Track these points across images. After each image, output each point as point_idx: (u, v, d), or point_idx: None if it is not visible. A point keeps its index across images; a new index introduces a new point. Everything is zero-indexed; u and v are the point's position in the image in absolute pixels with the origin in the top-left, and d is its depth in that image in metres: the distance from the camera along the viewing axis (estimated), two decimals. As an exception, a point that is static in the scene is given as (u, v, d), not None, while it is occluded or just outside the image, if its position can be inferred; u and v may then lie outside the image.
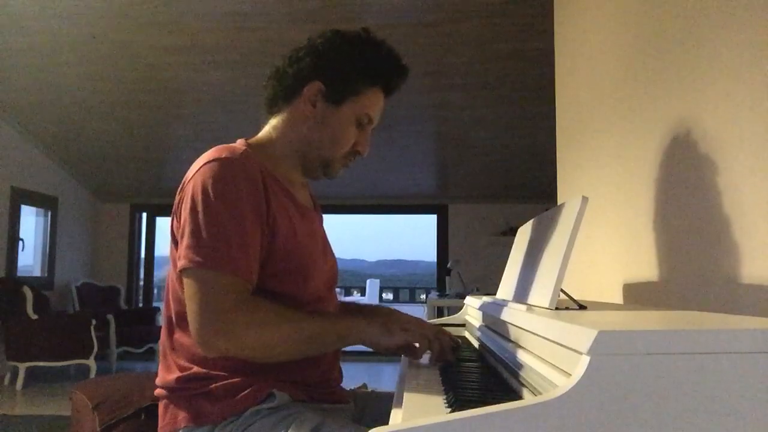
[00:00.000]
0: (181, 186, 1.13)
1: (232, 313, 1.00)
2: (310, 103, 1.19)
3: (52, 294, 6.39)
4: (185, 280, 1.03)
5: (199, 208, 1.04)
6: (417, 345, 1.12)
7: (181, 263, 1.03)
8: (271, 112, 1.26)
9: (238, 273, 1.02)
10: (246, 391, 1.05)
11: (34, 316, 5.17)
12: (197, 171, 1.09)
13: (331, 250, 1.34)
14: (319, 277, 1.21)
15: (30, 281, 5.73)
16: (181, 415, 1.07)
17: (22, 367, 5.09)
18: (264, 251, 1.09)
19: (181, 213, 1.09)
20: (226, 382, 1.06)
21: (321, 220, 1.37)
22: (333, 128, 1.20)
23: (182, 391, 1.09)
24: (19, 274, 6.05)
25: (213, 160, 1.08)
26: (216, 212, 1.03)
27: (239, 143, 1.19)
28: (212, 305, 0.99)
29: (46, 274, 6.55)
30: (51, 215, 6.63)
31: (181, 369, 1.10)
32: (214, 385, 1.06)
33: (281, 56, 1.25)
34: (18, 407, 4.52)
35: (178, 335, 1.12)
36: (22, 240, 6.12)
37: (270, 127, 1.25)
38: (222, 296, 1.00)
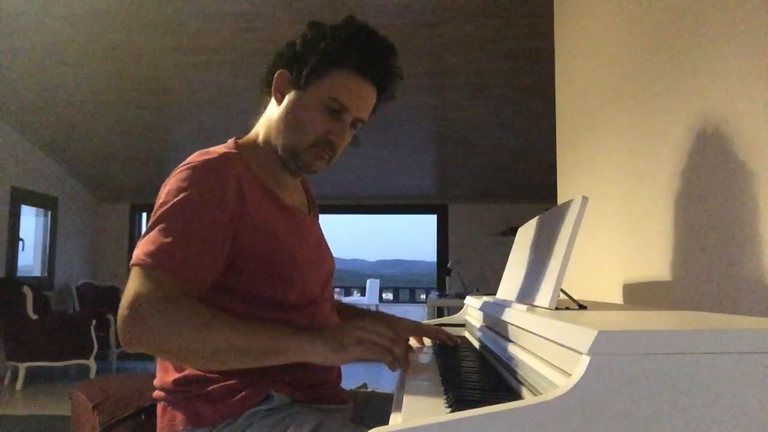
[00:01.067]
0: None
1: (157, 310, 0.93)
2: (278, 92, 1.19)
3: (52, 294, 6.39)
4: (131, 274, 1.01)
5: (158, 211, 1.04)
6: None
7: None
8: (260, 111, 1.27)
9: (176, 273, 0.98)
10: (244, 393, 1.05)
11: (34, 316, 5.17)
12: (171, 175, 1.09)
13: (329, 252, 1.33)
14: (309, 279, 1.19)
15: (30, 281, 5.73)
16: (179, 418, 1.07)
17: (22, 367, 5.09)
18: (232, 255, 1.07)
19: None
20: (223, 383, 1.06)
21: (316, 221, 1.36)
22: (297, 114, 1.16)
23: (180, 393, 1.09)
24: (19, 274, 6.05)
25: (186, 166, 1.08)
26: (170, 214, 1.02)
27: (228, 143, 1.19)
28: (139, 299, 0.94)
29: (46, 274, 6.56)
30: (51, 215, 6.63)
31: (177, 369, 1.10)
32: (211, 387, 1.06)
33: None
34: (18, 407, 4.52)
35: None
36: (22, 240, 6.12)
37: (257, 124, 1.26)
38: (152, 290, 0.95)
